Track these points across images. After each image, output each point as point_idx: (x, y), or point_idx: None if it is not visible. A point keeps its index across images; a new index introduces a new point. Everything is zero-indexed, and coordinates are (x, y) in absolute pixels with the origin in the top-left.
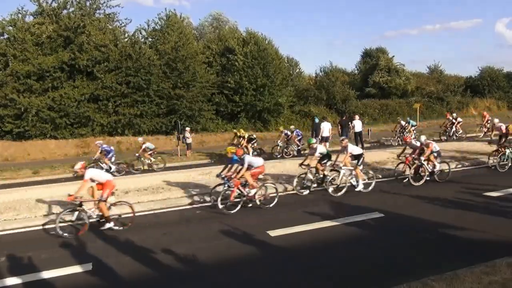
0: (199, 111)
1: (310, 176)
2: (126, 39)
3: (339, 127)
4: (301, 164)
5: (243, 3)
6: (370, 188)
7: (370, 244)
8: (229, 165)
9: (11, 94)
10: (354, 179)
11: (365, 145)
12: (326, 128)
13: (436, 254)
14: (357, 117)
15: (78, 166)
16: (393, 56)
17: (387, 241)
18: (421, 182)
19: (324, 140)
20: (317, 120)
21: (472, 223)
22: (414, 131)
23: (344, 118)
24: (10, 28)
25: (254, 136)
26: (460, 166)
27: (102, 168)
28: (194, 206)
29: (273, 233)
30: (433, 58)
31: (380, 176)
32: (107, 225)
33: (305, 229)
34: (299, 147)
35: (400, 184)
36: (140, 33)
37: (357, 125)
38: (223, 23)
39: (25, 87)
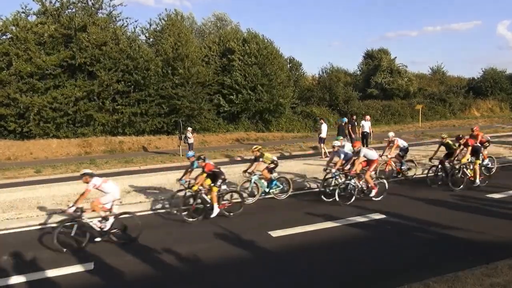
0: (199, 110)
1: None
2: (127, 39)
3: (349, 127)
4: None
5: (243, 3)
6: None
7: (371, 245)
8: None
9: (14, 94)
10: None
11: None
12: (324, 130)
13: (437, 255)
14: (367, 117)
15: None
16: (395, 57)
17: (388, 242)
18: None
19: (321, 141)
20: (345, 120)
21: (474, 225)
22: None
23: (352, 118)
24: (13, 27)
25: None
26: None
27: None
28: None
29: (275, 233)
30: (433, 59)
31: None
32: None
33: (306, 230)
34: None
35: (402, 185)
36: (142, 32)
37: (366, 126)
38: (225, 23)
39: (28, 86)
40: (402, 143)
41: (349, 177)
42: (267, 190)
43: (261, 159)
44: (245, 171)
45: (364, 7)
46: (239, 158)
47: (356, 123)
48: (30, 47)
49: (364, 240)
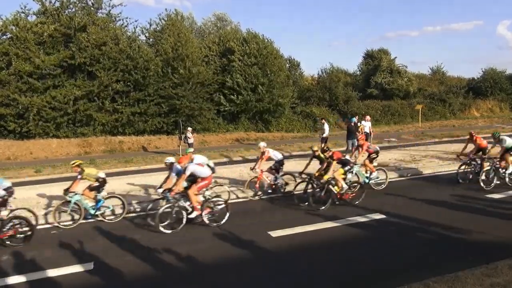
0: (200, 110)
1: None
2: (127, 39)
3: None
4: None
5: (243, 3)
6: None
7: (371, 245)
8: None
9: (13, 94)
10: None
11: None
12: (326, 129)
13: (437, 256)
14: (368, 117)
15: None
16: (395, 57)
17: (388, 242)
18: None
19: (324, 141)
20: (355, 120)
21: (474, 225)
22: None
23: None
24: (13, 27)
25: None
26: None
27: None
28: None
29: (274, 233)
30: (434, 59)
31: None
32: None
33: (306, 230)
34: None
35: (402, 185)
36: (142, 32)
37: (367, 126)
38: (226, 23)
39: (27, 86)
40: (274, 154)
41: (175, 198)
42: (93, 212)
43: (79, 176)
44: (66, 190)
45: (364, 7)
46: (240, 158)
47: (358, 123)
48: (29, 47)
49: (364, 240)
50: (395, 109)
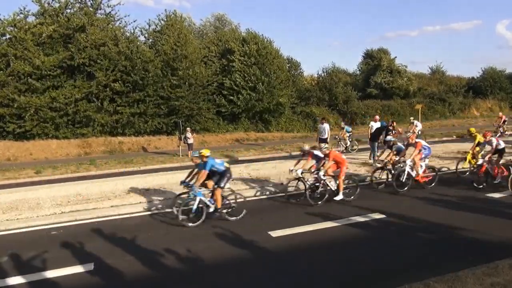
0: (199, 110)
1: None
2: (126, 40)
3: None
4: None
5: (243, 4)
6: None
7: (371, 245)
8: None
9: (12, 95)
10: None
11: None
12: (326, 130)
13: (437, 255)
14: (377, 117)
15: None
16: (395, 57)
17: (388, 242)
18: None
19: (323, 141)
20: (384, 123)
21: (473, 224)
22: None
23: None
24: (11, 28)
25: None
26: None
27: None
28: None
29: (275, 233)
30: (433, 59)
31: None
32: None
33: (306, 230)
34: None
35: None
36: (141, 32)
37: (375, 126)
38: (225, 23)
39: (26, 87)
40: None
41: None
42: None
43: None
44: None
45: (364, 7)
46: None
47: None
48: (28, 48)
49: (364, 240)
50: (395, 108)
